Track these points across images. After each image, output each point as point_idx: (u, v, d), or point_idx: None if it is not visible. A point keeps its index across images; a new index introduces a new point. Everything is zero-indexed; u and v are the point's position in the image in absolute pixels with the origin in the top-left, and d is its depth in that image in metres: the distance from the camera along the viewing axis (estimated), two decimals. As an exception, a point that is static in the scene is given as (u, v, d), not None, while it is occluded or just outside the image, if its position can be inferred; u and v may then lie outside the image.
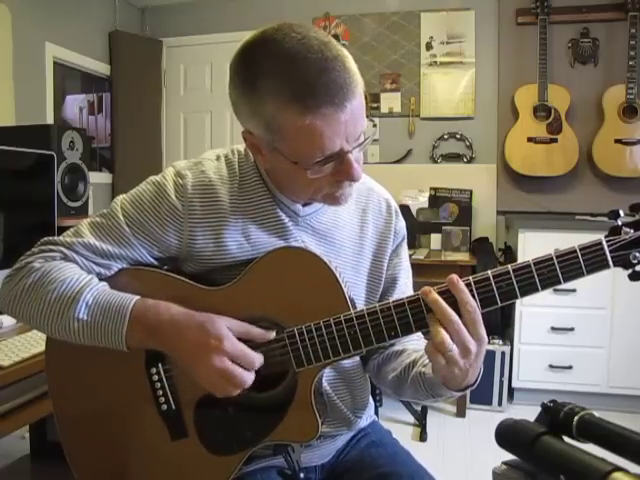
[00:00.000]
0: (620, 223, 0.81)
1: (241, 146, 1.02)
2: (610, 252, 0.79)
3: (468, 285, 0.82)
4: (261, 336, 0.88)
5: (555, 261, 0.81)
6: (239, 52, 0.85)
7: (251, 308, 0.90)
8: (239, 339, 0.86)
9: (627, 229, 0.80)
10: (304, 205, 0.99)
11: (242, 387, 0.85)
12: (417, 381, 0.95)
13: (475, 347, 0.81)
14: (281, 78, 0.79)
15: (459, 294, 0.81)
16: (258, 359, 0.86)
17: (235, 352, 0.84)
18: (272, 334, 0.88)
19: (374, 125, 0.94)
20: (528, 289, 0.82)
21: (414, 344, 1.05)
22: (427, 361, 0.92)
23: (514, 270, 0.81)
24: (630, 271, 0.82)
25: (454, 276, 0.83)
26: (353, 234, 1.04)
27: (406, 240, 1.13)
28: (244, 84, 0.83)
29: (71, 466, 0.99)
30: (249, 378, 0.85)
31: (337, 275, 0.89)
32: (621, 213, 0.81)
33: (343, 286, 0.89)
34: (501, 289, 0.82)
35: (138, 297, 0.89)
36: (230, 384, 0.84)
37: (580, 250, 0.80)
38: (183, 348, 0.86)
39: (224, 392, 0.85)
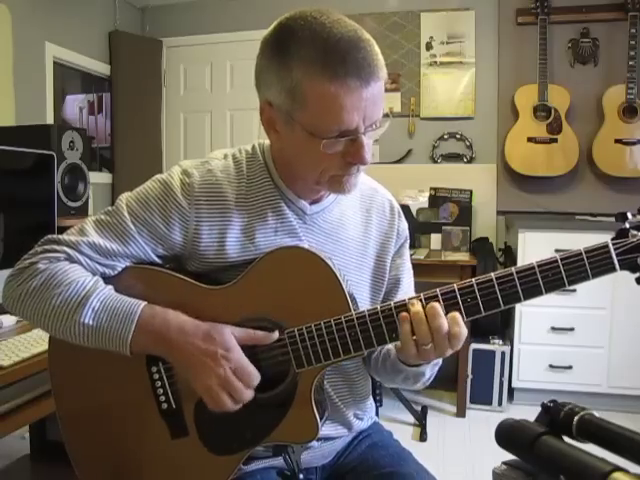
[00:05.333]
0: (628, 226, 0.79)
1: (249, 145, 1.03)
2: (617, 255, 0.78)
3: (470, 287, 0.82)
4: (265, 338, 0.88)
5: (560, 264, 0.79)
6: (275, 24, 0.87)
7: (252, 308, 0.90)
8: (243, 346, 0.87)
9: (635, 232, 0.79)
10: (311, 203, 1.00)
11: (239, 403, 0.86)
12: (386, 359, 0.99)
13: (451, 350, 0.84)
14: (314, 46, 0.81)
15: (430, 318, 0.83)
16: (256, 377, 0.87)
17: (238, 364, 0.85)
18: (275, 335, 0.88)
19: (386, 115, 0.94)
20: (532, 292, 0.81)
21: None
22: None
23: (518, 273, 0.80)
24: (638, 274, 0.80)
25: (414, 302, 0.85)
26: (357, 233, 1.04)
27: (408, 241, 1.13)
28: (276, 50, 0.85)
29: (73, 463, 1.00)
30: (248, 395, 0.86)
31: (338, 275, 0.89)
32: (629, 215, 0.80)
33: (344, 286, 0.88)
34: (504, 292, 0.81)
35: (145, 303, 0.89)
36: (229, 397, 0.85)
37: (586, 253, 0.79)
38: (188, 355, 0.86)
39: (221, 404, 0.85)
